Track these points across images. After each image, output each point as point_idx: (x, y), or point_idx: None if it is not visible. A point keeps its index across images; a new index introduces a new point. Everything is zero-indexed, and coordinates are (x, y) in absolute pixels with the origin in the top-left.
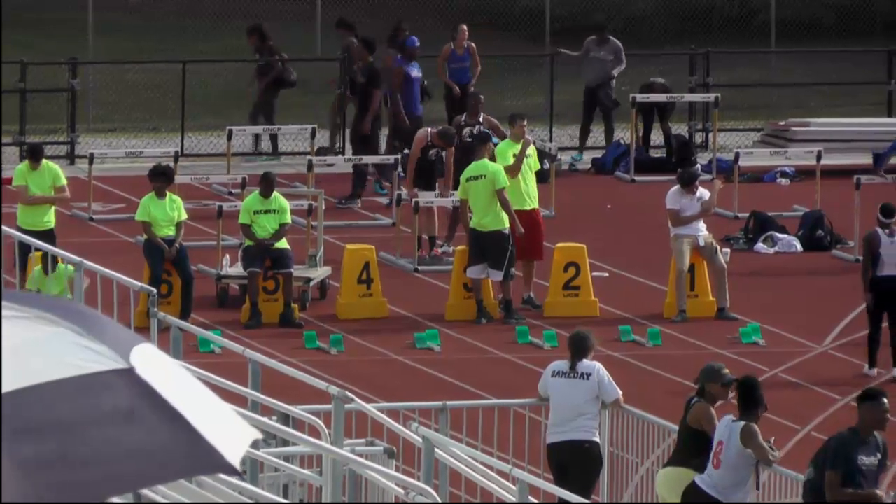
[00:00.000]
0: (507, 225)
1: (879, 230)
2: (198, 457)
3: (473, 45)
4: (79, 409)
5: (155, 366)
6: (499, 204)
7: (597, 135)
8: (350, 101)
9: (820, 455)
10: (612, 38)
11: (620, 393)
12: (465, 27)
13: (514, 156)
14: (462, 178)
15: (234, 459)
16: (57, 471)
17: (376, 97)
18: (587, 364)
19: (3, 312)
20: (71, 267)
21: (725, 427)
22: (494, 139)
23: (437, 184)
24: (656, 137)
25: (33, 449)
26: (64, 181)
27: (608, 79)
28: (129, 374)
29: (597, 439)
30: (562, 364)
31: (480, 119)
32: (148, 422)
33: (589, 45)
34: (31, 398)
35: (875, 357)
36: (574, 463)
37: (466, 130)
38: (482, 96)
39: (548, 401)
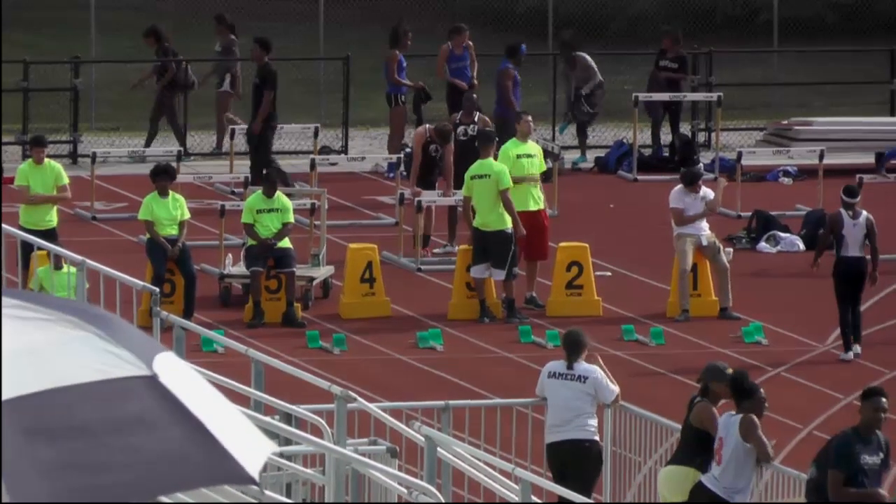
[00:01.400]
0: (510, 225)
1: (843, 211)
2: (218, 467)
3: (471, 43)
4: (101, 414)
5: (177, 374)
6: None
7: (599, 133)
8: (232, 99)
9: (822, 454)
10: (577, 54)
11: (618, 389)
12: (467, 30)
13: (518, 156)
14: (466, 176)
15: (254, 471)
16: (77, 474)
17: (267, 98)
18: (585, 367)
19: (27, 314)
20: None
21: (725, 422)
22: None
23: (436, 182)
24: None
25: (54, 451)
26: (66, 180)
27: (580, 94)
28: (153, 381)
29: (597, 438)
30: (558, 364)
31: (475, 119)
32: (170, 430)
33: (566, 69)
34: (54, 401)
35: (849, 340)
36: (574, 462)
37: (461, 129)
38: (476, 96)
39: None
